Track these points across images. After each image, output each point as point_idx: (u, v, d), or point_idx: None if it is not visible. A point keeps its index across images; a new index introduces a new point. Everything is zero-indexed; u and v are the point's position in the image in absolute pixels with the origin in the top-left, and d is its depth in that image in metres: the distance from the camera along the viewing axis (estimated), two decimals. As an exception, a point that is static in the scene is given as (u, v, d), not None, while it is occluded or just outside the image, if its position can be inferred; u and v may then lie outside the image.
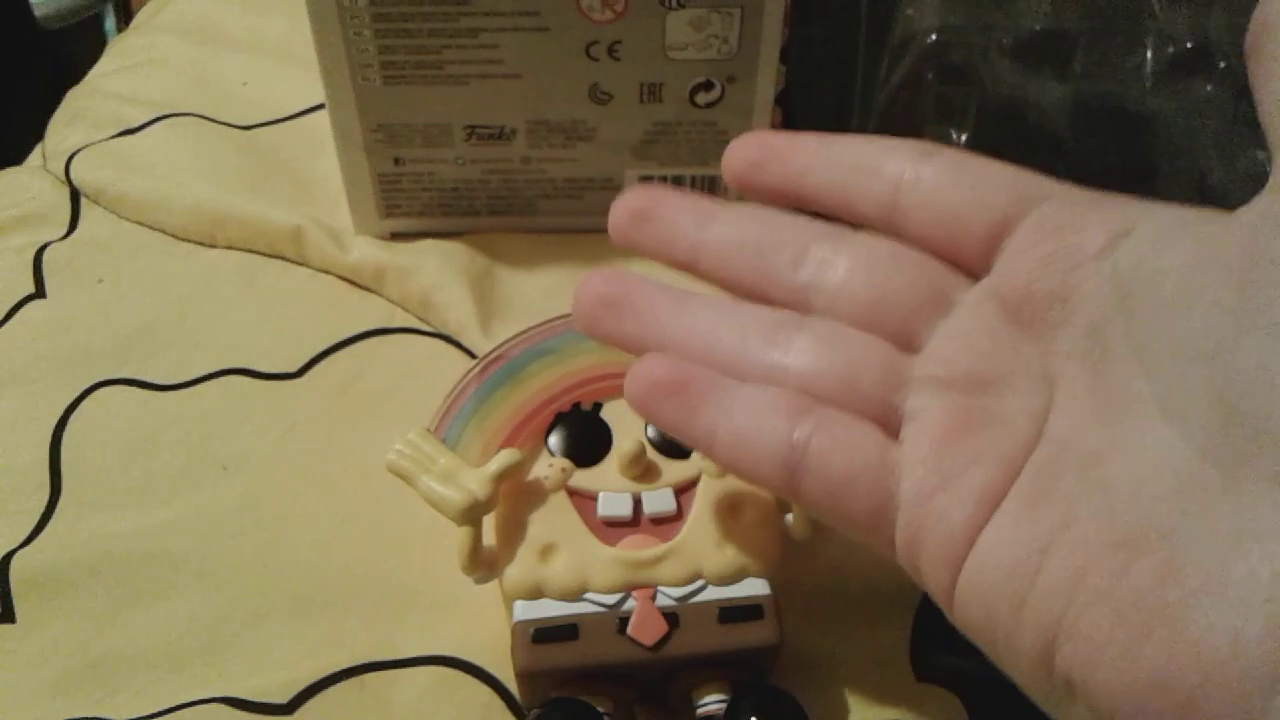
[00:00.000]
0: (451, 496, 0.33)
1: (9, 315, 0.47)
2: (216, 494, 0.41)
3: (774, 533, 0.35)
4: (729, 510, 0.35)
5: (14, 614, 0.38)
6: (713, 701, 0.33)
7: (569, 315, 0.36)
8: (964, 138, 0.46)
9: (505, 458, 0.34)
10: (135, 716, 0.36)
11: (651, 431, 0.37)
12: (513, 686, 0.36)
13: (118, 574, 0.39)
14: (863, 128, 0.47)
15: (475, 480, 0.34)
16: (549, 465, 0.36)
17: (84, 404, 0.44)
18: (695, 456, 0.36)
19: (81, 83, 0.60)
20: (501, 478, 0.34)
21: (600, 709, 0.33)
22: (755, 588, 0.34)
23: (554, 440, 0.37)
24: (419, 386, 0.44)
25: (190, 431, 0.43)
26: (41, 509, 0.41)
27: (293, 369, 0.45)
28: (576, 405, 0.37)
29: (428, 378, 0.45)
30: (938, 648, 0.37)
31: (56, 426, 0.43)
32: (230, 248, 0.50)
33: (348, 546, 0.40)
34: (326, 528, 0.40)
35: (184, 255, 0.50)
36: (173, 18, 0.63)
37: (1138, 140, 0.45)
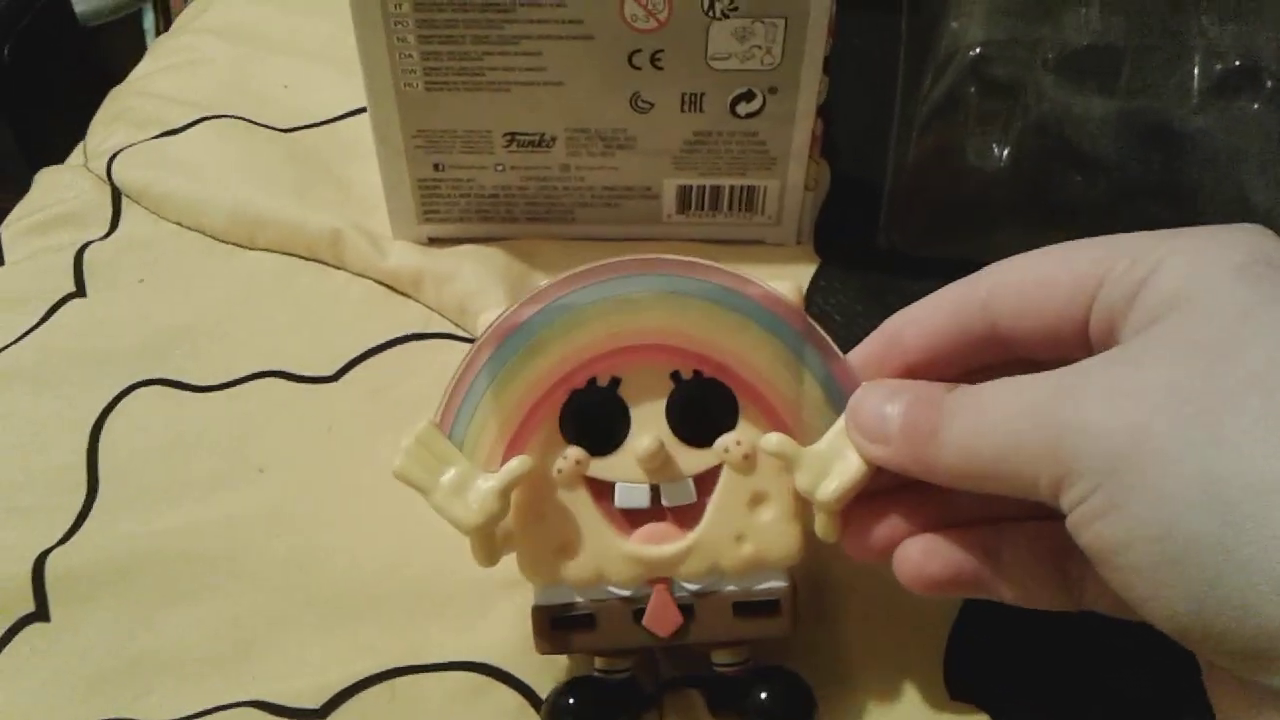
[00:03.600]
0: (463, 518, 0.33)
1: (49, 314, 0.48)
2: (251, 496, 0.41)
3: (796, 528, 0.34)
4: (751, 504, 0.34)
5: (49, 613, 0.38)
6: (729, 662, 0.35)
7: (589, 268, 0.34)
8: (1005, 152, 0.46)
9: (515, 469, 0.33)
10: (168, 719, 0.36)
11: (672, 413, 0.34)
12: (543, 693, 0.36)
13: (152, 575, 0.39)
14: (903, 141, 0.47)
15: (484, 496, 0.33)
16: (563, 458, 0.34)
17: (122, 404, 0.44)
18: (718, 446, 0.34)
19: (124, 83, 0.60)
20: (512, 489, 0.33)
21: (622, 666, 0.35)
22: (773, 579, 0.34)
23: (568, 427, 0.34)
24: (454, 392, 0.44)
25: (227, 433, 0.43)
26: (78, 508, 0.41)
27: (329, 373, 0.45)
28: (593, 381, 0.34)
29: (463, 384, 0.45)
30: (971, 666, 0.37)
31: (94, 426, 0.43)
32: (269, 250, 0.50)
33: (381, 551, 0.40)
34: (360, 532, 0.40)
35: (223, 257, 0.50)
36: (215, 19, 0.63)
37: (1182, 159, 0.45)
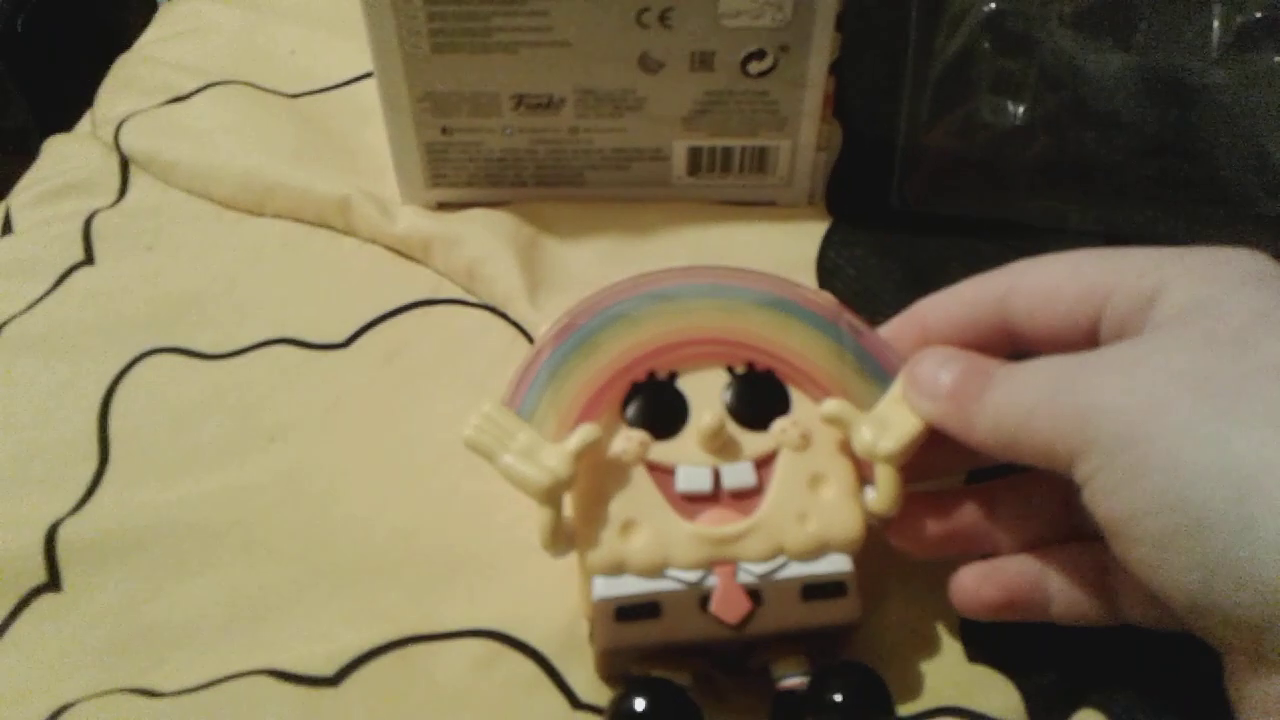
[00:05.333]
0: (534, 476, 0.33)
1: (58, 282, 0.48)
2: (262, 465, 0.41)
3: (857, 506, 0.34)
4: (811, 484, 0.34)
5: (60, 583, 0.38)
6: (794, 675, 0.33)
7: (638, 277, 0.36)
8: (1020, 110, 0.45)
9: (585, 434, 0.33)
10: (181, 688, 0.36)
11: (729, 398, 0.36)
12: (557, 660, 0.36)
13: (164, 544, 0.39)
14: (916, 99, 0.46)
15: (556, 458, 0.33)
16: (626, 439, 0.35)
17: (132, 372, 0.44)
18: (775, 428, 0.35)
19: (131, 50, 0.60)
20: (581, 454, 0.33)
21: (681, 683, 0.33)
22: (837, 563, 0.33)
23: (630, 412, 0.35)
24: (465, 358, 0.44)
25: (237, 401, 0.43)
26: (90, 478, 0.41)
27: (339, 339, 0.45)
28: (652, 375, 0.36)
29: (474, 349, 0.45)
30: (991, 627, 0.36)
31: (105, 395, 0.43)
32: (277, 216, 0.50)
33: (393, 518, 0.39)
34: (372, 499, 0.40)
35: (232, 224, 0.50)
36: (221, -16, 0.63)
37: (1200, 114, 0.44)
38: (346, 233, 0.49)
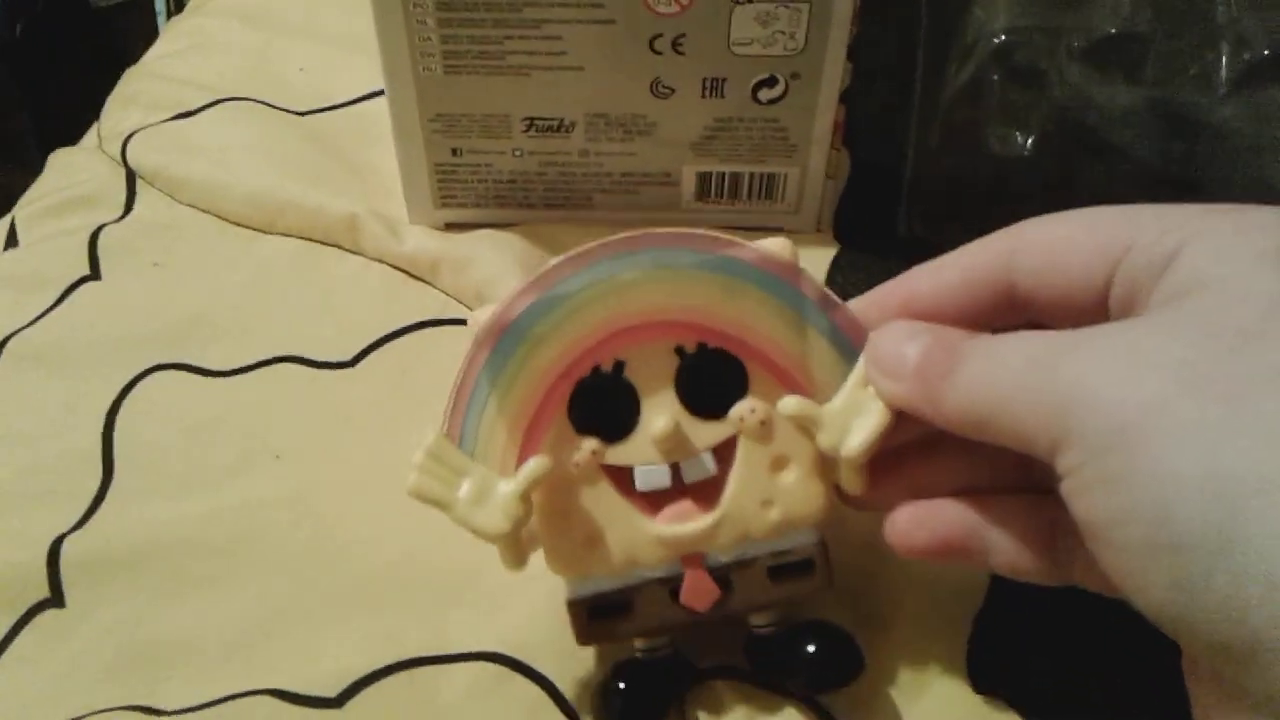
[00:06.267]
0: (490, 527, 0.32)
1: (63, 296, 0.48)
2: (268, 483, 0.41)
3: (820, 485, 0.33)
4: (772, 469, 0.33)
5: (64, 599, 0.38)
6: (768, 625, 0.35)
7: (567, 256, 0.33)
8: (1029, 141, 0.45)
9: (533, 470, 0.32)
10: (183, 707, 0.36)
11: (681, 388, 0.33)
12: (562, 684, 0.36)
13: (168, 561, 0.39)
14: (924, 128, 0.47)
15: (508, 501, 0.32)
16: (578, 450, 0.33)
17: (138, 388, 0.44)
18: (733, 415, 0.33)
19: (138, 64, 0.60)
20: (531, 490, 0.32)
21: (663, 643, 0.35)
22: (803, 537, 0.34)
23: (578, 417, 0.33)
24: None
25: (243, 419, 0.43)
26: (94, 493, 0.41)
27: (346, 358, 0.45)
28: (596, 369, 0.33)
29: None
30: (998, 657, 0.36)
31: (110, 410, 0.43)
32: (285, 234, 0.50)
33: (399, 538, 0.39)
34: (378, 519, 0.40)
35: (239, 241, 0.50)
36: (230, 1, 0.63)
37: (1207, 149, 0.44)
38: (354, 252, 0.49)
